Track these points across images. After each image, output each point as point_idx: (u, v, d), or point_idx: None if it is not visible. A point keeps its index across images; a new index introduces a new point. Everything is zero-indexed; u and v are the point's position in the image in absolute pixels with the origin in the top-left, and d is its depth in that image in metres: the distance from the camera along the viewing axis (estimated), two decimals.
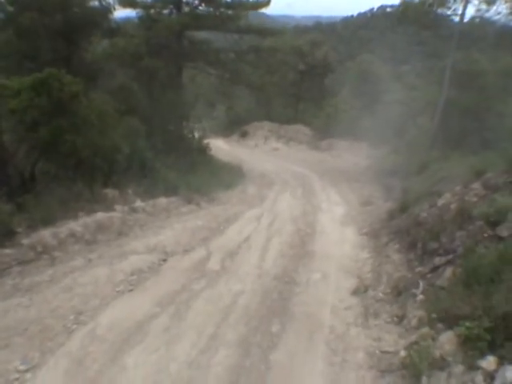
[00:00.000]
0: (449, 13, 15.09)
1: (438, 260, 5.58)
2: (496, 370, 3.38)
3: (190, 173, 13.09)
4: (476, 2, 14.68)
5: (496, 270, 4.33)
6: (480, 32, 16.23)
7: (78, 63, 13.16)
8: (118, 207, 8.86)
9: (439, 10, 15.21)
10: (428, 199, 8.47)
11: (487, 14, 14.49)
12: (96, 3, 12.88)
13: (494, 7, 14.30)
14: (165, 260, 7.04)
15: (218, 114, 29.23)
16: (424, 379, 3.62)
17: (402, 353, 4.11)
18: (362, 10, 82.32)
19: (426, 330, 4.27)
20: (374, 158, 20.13)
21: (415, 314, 4.71)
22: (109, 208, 8.75)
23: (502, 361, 3.43)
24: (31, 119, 8.12)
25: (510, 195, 5.53)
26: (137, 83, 13.91)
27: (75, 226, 7.61)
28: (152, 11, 15.36)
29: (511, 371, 3.23)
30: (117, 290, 5.79)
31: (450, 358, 3.74)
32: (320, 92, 31.02)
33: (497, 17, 14.43)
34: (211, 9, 15.64)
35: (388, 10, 76.22)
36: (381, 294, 5.63)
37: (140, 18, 15.45)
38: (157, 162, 11.79)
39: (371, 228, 9.30)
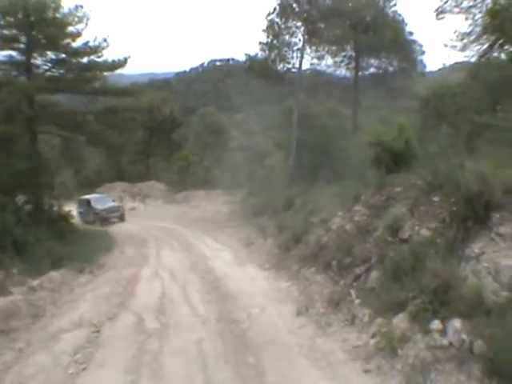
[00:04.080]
0: (289, 66, 18.69)
1: (358, 270, 7.16)
2: (444, 327, 4.90)
3: (62, 242, 12.67)
4: (309, 58, 18.73)
5: (412, 263, 6.03)
6: (314, 81, 20.22)
7: None
8: (14, 289, 8.30)
9: (280, 65, 18.65)
10: (318, 227, 10.32)
11: (319, 67, 18.62)
12: None
13: (324, 62, 18.46)
14: (98, 331, 7.02)
15: (63, 179, 27.54)
16: (400, 351, 4.94)
17: (371, 341, 5.39)
18: (194, 65, 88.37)
19: (379, 320, 5.65)
20: (232, 203, 21.99)
21: (363, 313, 6.08)
22: (3, 292, 8.13)
23: (444, 319, 4.97)
24: None
25: (401, 208, 7.54)
26: None
27: None
28: None
29: (455, 322, 4.76)
30: (70, 372, 5.66)
31: (408, 332, 5.16)
32: (169, 146, 32.53)
33: (329, 69, 18.62)
34: (63, 71, 15.58)
35: (217, 63, 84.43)
36: (322, 310, 6.86)
37: None
38: (28, 235, 11.18)
39: (271, 263, 10.64)
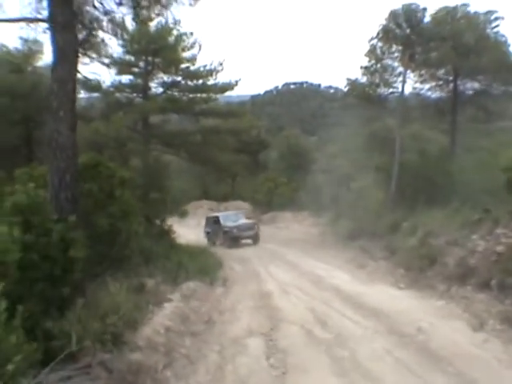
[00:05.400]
0: (391, 90, 19.66)
1: None
2: None
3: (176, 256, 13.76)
4: (411, 82, 19.85)
5: None
6: (407, 104, 21.04)
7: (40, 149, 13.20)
8: (172, 296, 9.24)
9: (384, 89, 19.61)
10: (449, 249, 10.77)
11: (422, 92, 19.48)
12: None
13: (427, 85, 19.33)
14: (272, 340, 7.72)
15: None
16: None
17: None
18: (268, 88, 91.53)
19: None
20: (321, 225, 22.73)
21: None
22: (165, 299, 9.08)
23: None
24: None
25: None
26: None
27: (162, 319, 7.85)
28: (118, 95, 16.24)
29: None
30: (274, 374, 6.29)
31: None
32: (255, 168, 34.32)
33: (429, 93, 19.44)
34: (175, 93, 17.12)
35: (292, 86, 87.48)
36: (498, 326, 7.29)
37: (108, 102, 16.16)
38: (155, 247, 12.30)
39: (404, 282, 11.14)
